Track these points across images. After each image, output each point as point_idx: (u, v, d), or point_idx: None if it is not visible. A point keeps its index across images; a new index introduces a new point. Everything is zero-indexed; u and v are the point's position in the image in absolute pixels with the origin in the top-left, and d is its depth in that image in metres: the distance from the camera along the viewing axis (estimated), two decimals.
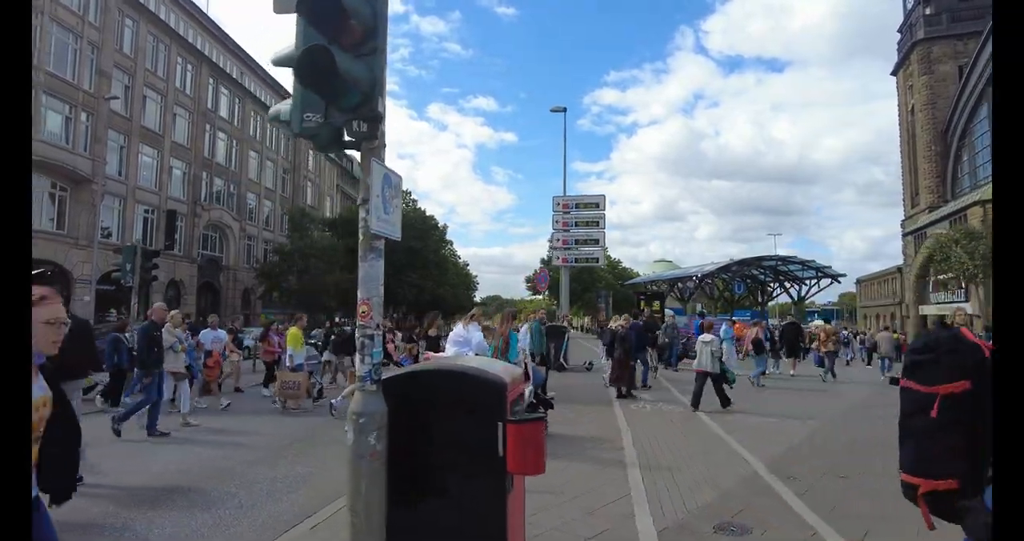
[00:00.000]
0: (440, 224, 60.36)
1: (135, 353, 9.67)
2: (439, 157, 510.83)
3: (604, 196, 14.85)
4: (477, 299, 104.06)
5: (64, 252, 28.89)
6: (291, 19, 3.28)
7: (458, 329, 7.99)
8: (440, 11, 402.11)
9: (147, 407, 8.51)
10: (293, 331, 12.14)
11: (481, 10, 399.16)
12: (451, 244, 65.59)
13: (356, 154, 3.73)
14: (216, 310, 42.74)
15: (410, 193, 61.55)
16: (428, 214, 59.10)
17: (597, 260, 14.72)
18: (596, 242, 14.63)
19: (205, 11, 42.91)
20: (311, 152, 57.78)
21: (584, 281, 55.51)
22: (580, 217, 14.86)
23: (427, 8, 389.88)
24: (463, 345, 7.40)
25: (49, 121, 27.95)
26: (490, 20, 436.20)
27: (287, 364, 11.87)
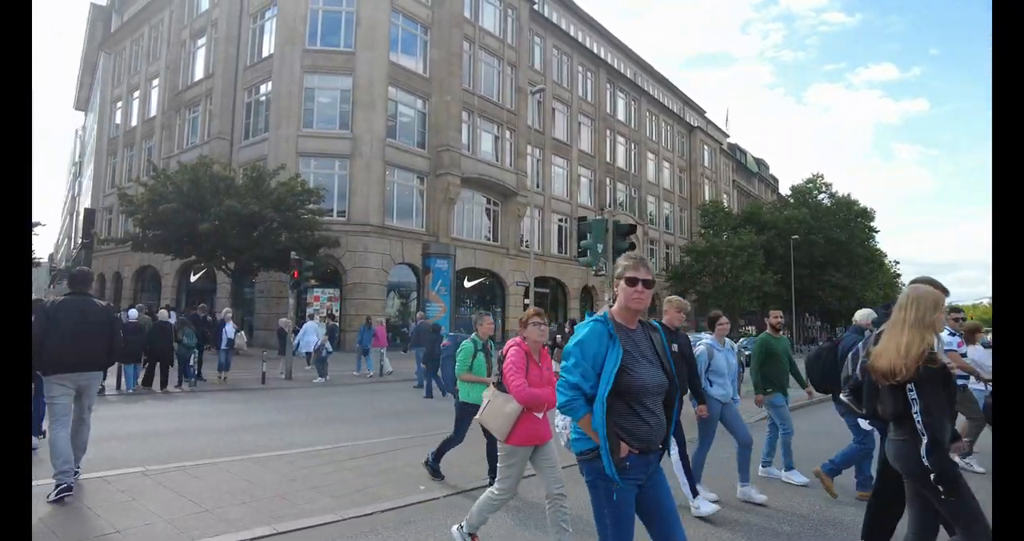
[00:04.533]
0: (867, 207, 48.79)
1: None
2: (823, 144, 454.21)
3: None
4: None
5: (499, 261, 30.60)
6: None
7: None
8: None
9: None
10: None
11: None
12: (878, 233, 52.60)
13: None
14: None
15: (822, 176, 51.59)
16: (852, 198, 48.41)
17: None
18: None
19: (594, 16, 43.01)
20: (706, 148, 53.82)
21: None
22: None
23: None
24: None
25: (483, 142, 30.03)
26: None
27: None
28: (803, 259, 43.38)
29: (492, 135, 30.68)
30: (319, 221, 20.74)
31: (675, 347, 4.64)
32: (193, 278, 29.05)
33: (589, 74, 39.69)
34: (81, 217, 43.92)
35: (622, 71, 44.29)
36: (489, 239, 30.96)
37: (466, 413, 5.35)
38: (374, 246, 24.51)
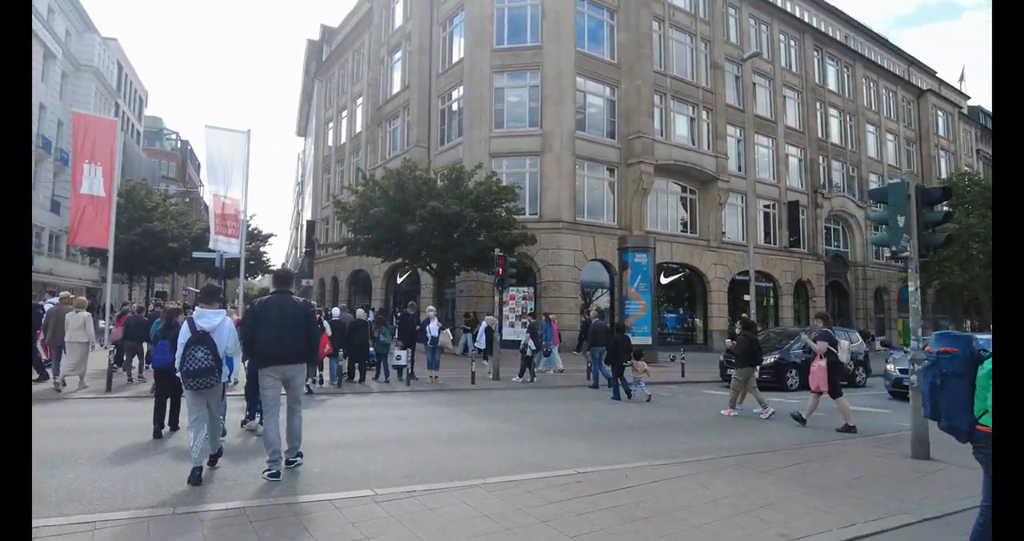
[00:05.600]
0: None
1: None
2: None
3: None
4: None
5: (698, 255, 28.14)
6: None
7: None
8: None
9: None
10: None
11: None
12: None
13: None
14: (846, 314, 36.67)
15: None
16: None
17: None
18: None
19: None
20: (940, 114, 45.55)
21: None
22: None
23: None
24: None
25: (678, 125, 27.84)
26: None
27: None
28: None
29: (687, 117, 28.33)
30: (516, 219, 20.40)
31: None
32: (399, 280, 30.70)
33: (792, 42, 35.30)
34: (304, 229, 49.54)
35: (830, 34, 38.93)
36: (686, 230, 28.62)
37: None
38: (566, 243, 23.69)
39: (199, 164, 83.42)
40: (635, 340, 19.42)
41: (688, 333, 29.38)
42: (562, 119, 24.20)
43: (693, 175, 28.04)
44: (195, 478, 4.97)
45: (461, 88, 26.18)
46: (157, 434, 6.86)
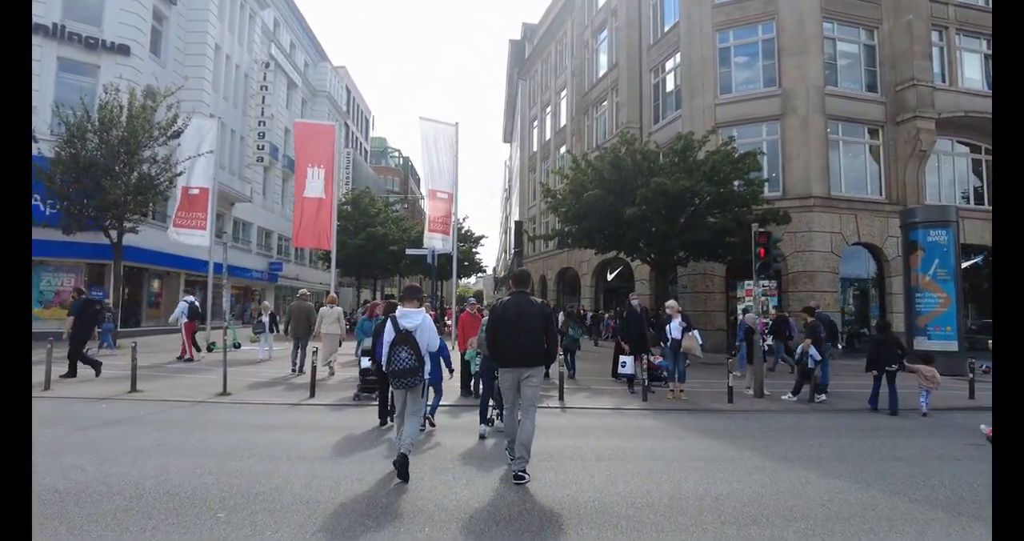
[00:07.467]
0: None
1: None
2: None
3: None
4: None
5: None
6: None
7: None
8: None
9: None
10: None
11: None
12: None
13: None
14: None
15: None
16: None
17: None
18: None
19: None
20: None
21: None
22: None
23: None
24: None
25: (967, 66, 21.59)
26: None
27: None
28: None
29: (980, 54, 21.86)
30: (760, 193, 16.76)
31: None
32: (609, 277, 28.43)
33: None
34: (511, 231, 49.89)
35: None
36: (980, 202, 22.07)
37: None
38: (820, 223, 19.29)
39: (419, 178, 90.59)
40: (935, 345, 14.74)
41: (982, 336, 22.58)
42: (807, 73, 19.85)
43: (991, 129, 21.50)
44: (402, 466, 4.92)
45: (677, 56, 23.05)
46: (382, 423, 7.32)
